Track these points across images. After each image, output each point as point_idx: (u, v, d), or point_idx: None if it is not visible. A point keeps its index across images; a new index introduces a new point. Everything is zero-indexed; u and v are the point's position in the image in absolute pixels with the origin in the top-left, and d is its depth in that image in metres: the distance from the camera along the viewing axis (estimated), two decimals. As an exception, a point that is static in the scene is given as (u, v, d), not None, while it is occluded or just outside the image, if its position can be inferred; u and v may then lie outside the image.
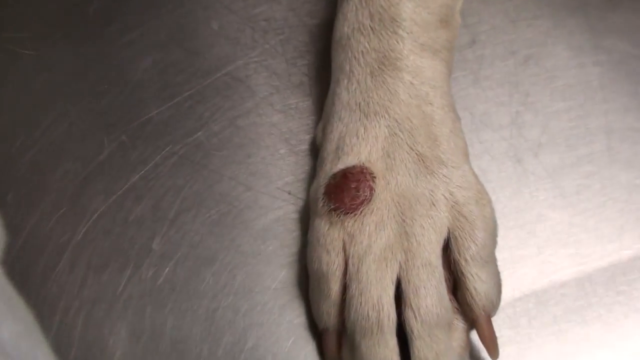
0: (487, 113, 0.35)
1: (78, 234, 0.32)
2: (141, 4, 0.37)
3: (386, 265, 0.28)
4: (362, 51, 0.31)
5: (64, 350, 0.29)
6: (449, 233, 0.29)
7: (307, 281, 0.31)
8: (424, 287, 0.27)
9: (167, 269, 0.31)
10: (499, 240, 0.31)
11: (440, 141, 0.30)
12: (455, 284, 0.29)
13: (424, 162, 0.30)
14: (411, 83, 0.31)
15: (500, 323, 0.30)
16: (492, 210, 0.30)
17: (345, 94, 0.31)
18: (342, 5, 0.32)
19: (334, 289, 0.28)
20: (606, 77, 0.35)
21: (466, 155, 0.31)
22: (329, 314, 0.29)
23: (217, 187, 0.33)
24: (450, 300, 0.29)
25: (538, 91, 0.35)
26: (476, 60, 0.36)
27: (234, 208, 0.33)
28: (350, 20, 0.32)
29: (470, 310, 0.29)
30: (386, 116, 0.30)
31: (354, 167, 0.29)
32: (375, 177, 0.29)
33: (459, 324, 0.29)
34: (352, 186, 0.29)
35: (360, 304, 0.27)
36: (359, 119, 0.30)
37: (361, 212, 0.29)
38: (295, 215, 0.32)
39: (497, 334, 0.29)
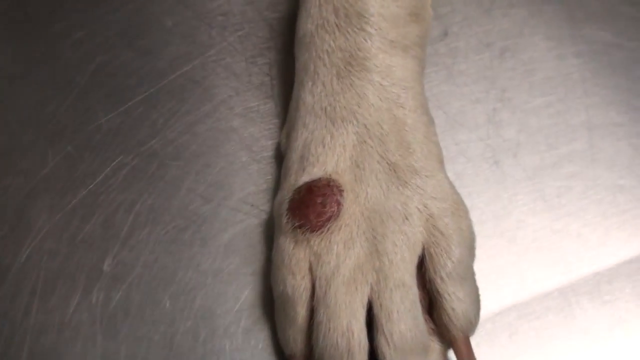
0: (462, 111, 0.33)
1: (21, 256, 0.30)
2: (88, 0, 0.35)
3: (356, 288, 0.26)
4: (327, 50, 0.29)
5: (8, 384, 0.28)
6: (423, 249, 0.27)
7: (272, 301, 0.29)
8: (397, 311, 0.26)
9: (120, 292, 0.29)
10: (477, 250, 0.29)
11: (414, 148, 0.28)
12: (431, 303, 0.27)
13: (395, 172, 0.28)
14: (381, 85, 0.29)
15: (478, 340, 0.29)
16: (470, 222, 0.28)
17: (310, 97, 0.29)
18: (305, -1, 0.30)
19: (300, 313, 0.27)
20: (587, 69, 0.34)
21: (441, 162, 0.29)
22: (295, 341, 0.27)
23: (174, 201, 0.31)
24: (426, 321, 0.27)
25: (515, 86, 0.34)
26: (449, 53, 0.34)
27: (192, 223, 0.31)
28: (313, 17, 0.30)
29: (447, 331, 0.27)
30: (354, 122, 0.28)
31: (319, 179, 0.27)
32: (343, 190, 0.27)
33: (435, 346, 0.27)
34: (318, 201, 0.27)
35: (329, 331, 0.25)
36: (325, 126, 0.28)
37: (328, 230, 0.27)
38: (258, 229, 0.31)
39: (476, 351, 0.27)
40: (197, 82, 0.33)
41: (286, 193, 0.28)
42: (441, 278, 0.26)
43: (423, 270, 0.27)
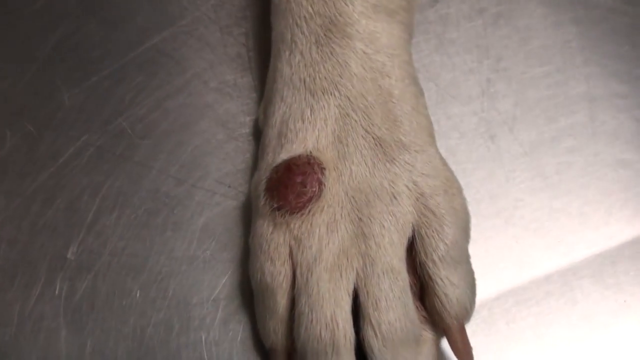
0: (454, 83, 0.31)
1: (-23, 245, 0.28)
2: (49, -34, 0.33)
3: (340, 275, 0.24)
4: (304, 16, 0.27)
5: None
6: (413, 231, 0.25)
7: (252, 290, 0.27)
8: (386, 299, 0.24)
9: (86, 282, 0.28)
10: (472, 231, 0.27)
11: (401, 121, 0.26)
12: (423, 289, 0.26)
13: (382, 148, 0.26)
14: (364, 52, 0.27)
15: (474, 328, 0.27)
16: (464, 201, 0.26)
17: (288, 68, 0.27)
18: (280, -39, 0.28)
19: (280, 303, 0.25)
20: (586, 37, 0.32)
21: (431, 136, 0.27)
22: (276, 332, 0.25)
23: (144, 183, 0.30)
24: (417, 308, 0.25)
25: (511, 55, 0.32)
26: (439, 21, 0.32)
27: (164, 206, 0.29)
28: (289, -20, 0.28)
29: (441, 319, 0.25)
30: (336, 94, 0.27)
31: (299, 157, 0.26)
32: (324, 169, 0.26)
33: (428, 335, 0.25)
34: (298, 180, 0.25)
35: (311, 322, 0.24)
36: (304, 99, 0.27)
37: (309, 212, 0.25)
38: (236, 212, 0.29)
39: (472, 341, 0.26)
40: (167, 55, 0.31)
41: (263, 172, 0.26)
42: (433, 262, 0.25)
43: (413, 254, 0.25)
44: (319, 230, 0.25)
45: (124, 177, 0.29)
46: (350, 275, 0.24)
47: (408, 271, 0.25)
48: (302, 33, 0.27)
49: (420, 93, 0.28)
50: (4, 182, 0.29)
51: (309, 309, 0.24)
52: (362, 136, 0.26)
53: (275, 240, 0.25)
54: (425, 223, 0.25)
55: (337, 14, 0.27)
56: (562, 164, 0.30)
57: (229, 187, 0.29)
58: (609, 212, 0.29)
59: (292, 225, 0.25)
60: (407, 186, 0.25)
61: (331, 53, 0.27)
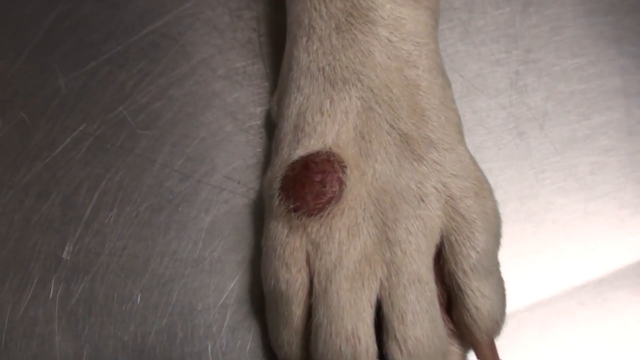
0: (481, 75, 0.30)
1: (-35, 242, 0.27)
2: (44, -59, 0.32)
3: (362, 284, 0.22)
4: None
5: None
6: (441, 237, 0.24)
7: (263, 295, 0.26)
8: (412, 312, 0.22)
9: (82, 284, 0.27)
10: None
11: (429, 116, 0.25)
12: (450, 300, 0.24)
13: (408, 145, 0.24)
14: (389, 40, 0.25)
15: (502, 341, 0.25)
16: (495, 204, 0.25)
17: (305, 56, 0.26)
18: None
19: (296, 313, 0.23)
20: (621, 26, 0.31)
21: (460, 132, 0.26)
22: (290, 344, 0.24)
23: (146, 177, 0.28)
24: (445, 321, 0.23)
25: (541, 46, 0.31)
26: (465, 7, 0.31)
27: (167, 203, 0.28)
28: (307, -42, 0.26)
29: (470, 333, 0.24)
30: (358, 85, 0.25)
31: (317, 153, 0.24)
32: (345, 167, 0.24)
33: (455, 350, 0.24)
34: (316, 179, 0.23)
35: (330, 336, 0.22)
36: (324, 89, 0.25)
37: (328, 214, 0.23)
38: (246, 211, 0.28)
39: (501, 355, 0.24)
40: (172, 39, 0.30)
41: (278, 169, 0.25)
42: (463, 271, 0.23)
43: (441, 262, 0.24)
44: (339, 234, 0.23)
45: (124, 170, 0.28)
46: (373, 285, 0.22)
47: (435, 281, 0.23)
48: (321, 17, 0.26)
49: (447, 85, 0.26)
50: (-5, 173, 0.28)
51: (328, 321, 0.22)
52: (386, 132, 0.24)
53: (291, 245, 0.23)
54: (455, 228, 0.23)
55: (359, -3, 0.25)
56: (597, 164, 0.29)
57: (238, 183, 0.28)
58: (647, 216, 0.28)
59: (309, 229, 0.23)
60: (435, 187, 0.24)
61: (353, 40, 0.25)
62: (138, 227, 0.27)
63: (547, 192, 0.28)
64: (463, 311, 0.23)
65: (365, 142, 0.24)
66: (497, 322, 0.23)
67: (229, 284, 0.27)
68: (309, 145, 0.24)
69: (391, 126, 0.24)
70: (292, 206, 0.23)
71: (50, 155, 0.28)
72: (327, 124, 0.24)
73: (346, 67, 0.25)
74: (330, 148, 0.24)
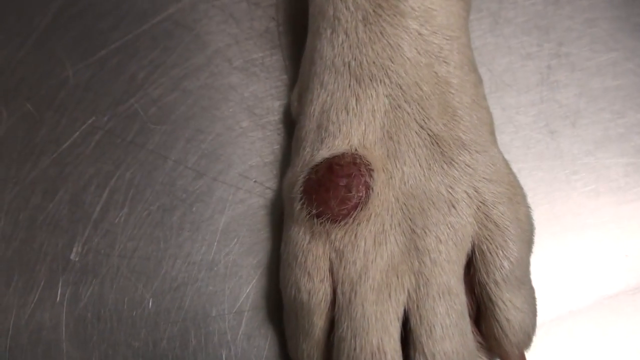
0: (510, 69, 0.29)
1: (-32, 241, 0.26)
2: None
3: (389, 295, 0.21)
4: None
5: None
6: (472, 245, 0.22)
7: (281, 301, 0.25)
8: (442, 326, 0.21)
9: (91, 287, 0.26)
10: None
11: (461, 115, 0.23)
12: (479, 311, 0.23)
13: (439, 146, 0.23)
14: (419, 33, 0.24)
15: (531, 355, 0.24)
16: (528, 210, 0.24)
17: (329, 49, 0.24)
18: None
19: (317, 324, 0.22)
20: None
21: (493, 133, 0.24)
22: (310, 357, 0.23)
23: (158, 175, 0.27)
24: (473, 333, 0.22)
25: (574, 39, 0.30)
26: None
27: (180, 203, 0.27)
28: (332, -56, 0.25)
29: (499, 346, 0.22)
30: (386, 81, 0.24)
31: (342, 155, 0.23)
32: (372, 170, 0.23)
33: None
34: (341, 183, 0.22)
35: (354, 350, 0.21)
36: (349, 86, 0.24)
37: (354, 220, 0.22)
38: (262, 211, 0.27)
39: None
40: (186, 27, 0.29)
41: (300, 171, 0.23)
42: (495, 282, 0.22)
43: (471, 272, 0.23)
44: (365, 242, 0.22)
45: (135, 167, 0.27)
46: (400, 297, 0.21)
47: (465, 292, 0.22)
48: (347, 8, 0.24)
49: (479, 82, 0.25)
50: (0, 167, 0.27)
51: (352, 335, 0.21)
52: (416, 132, 0.23)
53: (313, 252, 0.22)
54: (488, 237, 0.22)
55: (389, -13, 0.24)
56: (630, 165, 0.28)
57: (255, 182, 0.27)
58: (683, 222, 0.27)
59: (333, 236, 0.22)
60: (467, 192, 0.22)
61: (381, 33, 0.24)
62: (150, 227, 0.26)
63: (578, 195, 0.27)
64: (493, 323, 0.22)
65: (393, 143, 0.23)
66: (529, 335, 0.22)
67: (245, 289, 0.26)
68: (333, 145, 0.23)
69: (421, 126, 0.23)
70: (315, 211, 0.22)
71: (58, 150, 0.27)
72: (353, 124, 0.23)
73: (373, 62, 0.24)
74: (356, 149, 0.23)
